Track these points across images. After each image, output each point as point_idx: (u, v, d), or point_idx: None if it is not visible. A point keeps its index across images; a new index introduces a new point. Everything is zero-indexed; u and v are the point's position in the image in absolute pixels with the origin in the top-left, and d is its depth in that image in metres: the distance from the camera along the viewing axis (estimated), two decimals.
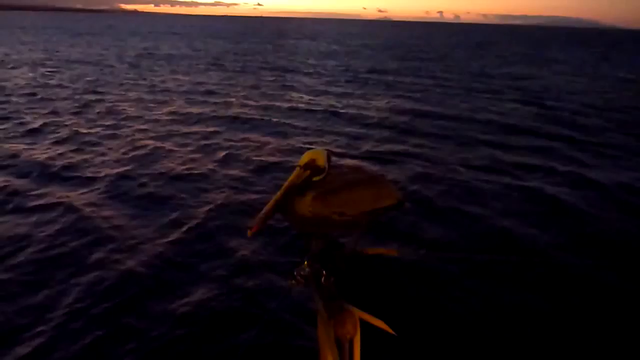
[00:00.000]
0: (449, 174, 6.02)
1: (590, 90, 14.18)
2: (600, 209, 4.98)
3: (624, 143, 7.94)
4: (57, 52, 22.93)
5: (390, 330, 1.12)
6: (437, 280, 3.45)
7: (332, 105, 10.87)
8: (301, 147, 7.31)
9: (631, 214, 4.89)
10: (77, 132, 7.78)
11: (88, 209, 4.65)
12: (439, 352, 2.72)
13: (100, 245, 3.96)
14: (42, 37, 35.34)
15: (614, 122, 9.68)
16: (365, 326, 1.14)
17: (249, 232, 1.00)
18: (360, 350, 1.16)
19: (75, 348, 2.75)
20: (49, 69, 16.09)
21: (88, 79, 14.11)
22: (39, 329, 2.91)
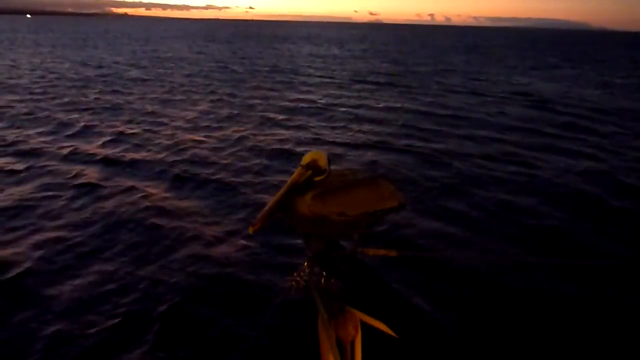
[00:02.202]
0: (450, 175, 6.00)
1: (588, 95, 14.32)
2: (603, 210, 4.96)
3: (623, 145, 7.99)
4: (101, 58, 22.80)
5: (390, 332, 1.12)
6: (438, 281, 3.45)
7: (344, 106, 11.11)
8: (312, 145, 7.56)
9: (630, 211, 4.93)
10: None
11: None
12: (440, 353, 2.70)
13: None
14: (53, 41, 35.07)
15: (613, 124, 9.76)
16: (366, 328, 1.13)
17: (250, 229, 1.00)
18: (362, 351, 1.15)
19: None
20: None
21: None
22: None
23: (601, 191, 5.53)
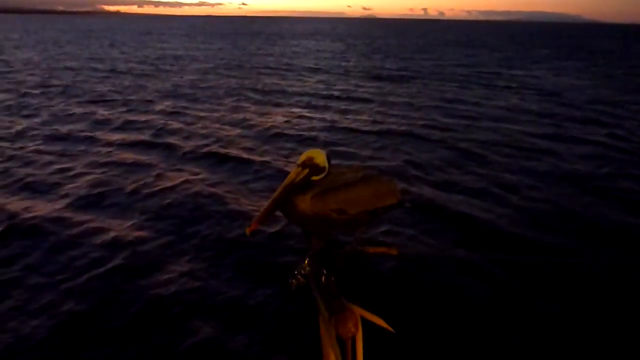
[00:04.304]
0: (451, 173, 5.98)
1: (590, 86, 14.45)
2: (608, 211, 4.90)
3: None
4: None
5: (390, 329, 1.13)
6: (438, 279, 3.44)
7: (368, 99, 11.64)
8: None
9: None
10: None
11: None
12: (440, 351, 2.72)
13: None
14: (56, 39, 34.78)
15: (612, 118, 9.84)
16: (366, 324, 1.14)
17: (247, 230, 1.01)
18: (363, 348, 1.16)
19: None
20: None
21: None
22: None
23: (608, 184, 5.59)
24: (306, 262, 1.17)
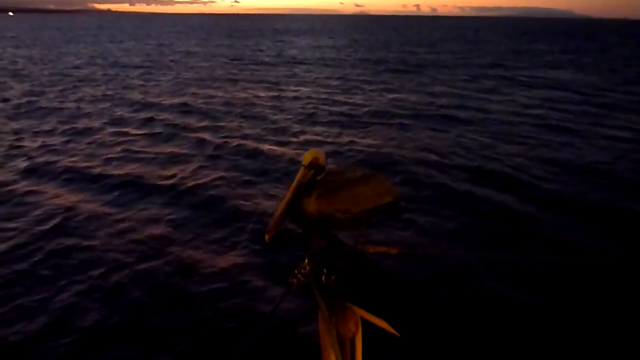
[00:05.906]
0: (451, 172, 6.00)
1: (593, 80, 14.72)
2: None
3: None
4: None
5: (391, 329, 1.12)
6: (438, 279, 3.46)
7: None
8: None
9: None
10: None
11: None
12: (440, 351, 2.73)
13: None
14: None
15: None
16: (366, 325, 1.14)
17: (266, 237, 1.02)
18: (362, 348, 1.16)
19: None
20: None
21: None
22: None
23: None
24: (306, 261, 1.16)
